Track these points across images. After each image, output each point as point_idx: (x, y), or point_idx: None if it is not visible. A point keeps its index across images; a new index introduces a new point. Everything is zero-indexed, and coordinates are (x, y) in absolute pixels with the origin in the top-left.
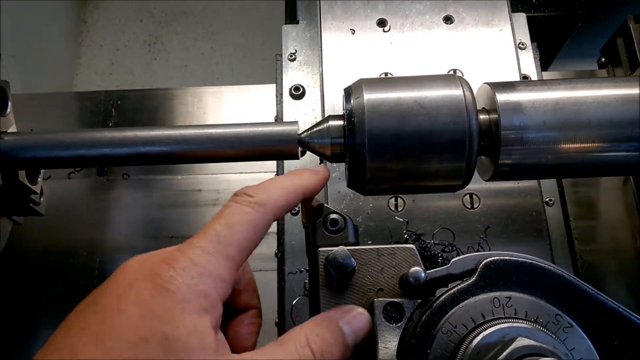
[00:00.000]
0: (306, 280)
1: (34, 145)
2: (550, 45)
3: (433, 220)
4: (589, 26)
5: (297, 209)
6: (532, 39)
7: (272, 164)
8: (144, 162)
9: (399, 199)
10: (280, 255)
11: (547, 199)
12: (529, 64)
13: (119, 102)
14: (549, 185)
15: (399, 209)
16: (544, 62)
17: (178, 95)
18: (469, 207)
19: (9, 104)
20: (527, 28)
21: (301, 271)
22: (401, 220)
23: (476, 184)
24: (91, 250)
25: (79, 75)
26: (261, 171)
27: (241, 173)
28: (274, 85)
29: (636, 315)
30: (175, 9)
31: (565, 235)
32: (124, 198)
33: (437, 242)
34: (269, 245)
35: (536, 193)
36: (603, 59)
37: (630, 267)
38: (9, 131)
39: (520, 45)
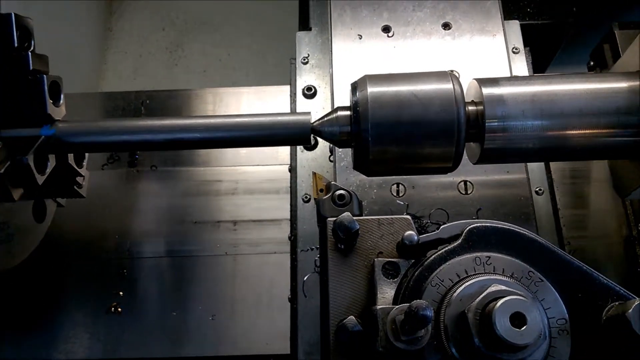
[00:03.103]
0: (316, 258)
1: (85, 132)
2: (545, 51)
3: (431, 205)
4: (580, 33)
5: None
6: (526, 45)
7: (286, 158)
8: (178, 147)
9: (400, 185)
10: (293, 238)
11: (537, 189)
12: (522, 67)
13: (147, 102)
14: (539, 176)
15: (400, 194)
16: (540, 67)
17: (201, 95)
18: (464, 192)
19: (62, 96)
20: (520, 34)
21: (312, 249)
22: (402, 204)
23: (471, 174)
24: (122, 234)
25: (105, 79)
26: (276, 164)
27: (257, 165)
28: (288, 86)
29: (597, 273)
30: (196, 19)
31: (554, 222)
32: (152, 187)
33: (433, 222)
34: (282, 230)
35: (525, 182)
36: (592, 63)
37: (617, 253)
38: (61, 119)
39: (514, 49)
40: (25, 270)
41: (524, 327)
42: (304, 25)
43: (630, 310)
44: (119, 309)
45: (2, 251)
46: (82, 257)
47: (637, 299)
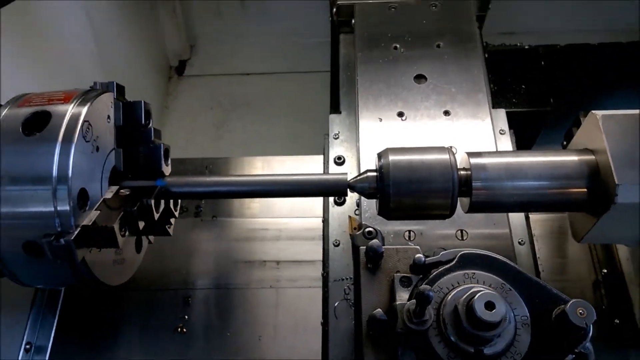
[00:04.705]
0: (345, 287)
1: (185, 184)
2: (529, 133)
3: (435, 247)
4: (557, 119)
5: None
6: (512, 127)
7: (319, 212)
8: (247, 196)
9: (411, 232)
10: (326, 274)
11: (519, 240)
12: (507, 145)
13: (210, 166)
14: (521, 230)
15: (411, 239)
16: (527, 146)
17: (252, 162)
18: (460, 239)
19: (169, 158)
20: (506, 119)
21: (342, 280)
22: (413, 246)
23: (466, 225)
24: (188, 270)
25: None
26: (312, 216)
27: (296, 217)
28: (321, 156)
29: (550, 286)
30: (240, 101)
31: (534, 268)
32: (213, 233)
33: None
34: (315, 269)
35: (508, 234)
36: (565, 143)
37: (588, 294)
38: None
39: (501, 131)
40: (111, 295)
41: (494, 310)
42: (335, 109)
43: (568, 306)
44: (184, 330)
45: (117, 270)
46: (156, 288)
47: (574, 300)
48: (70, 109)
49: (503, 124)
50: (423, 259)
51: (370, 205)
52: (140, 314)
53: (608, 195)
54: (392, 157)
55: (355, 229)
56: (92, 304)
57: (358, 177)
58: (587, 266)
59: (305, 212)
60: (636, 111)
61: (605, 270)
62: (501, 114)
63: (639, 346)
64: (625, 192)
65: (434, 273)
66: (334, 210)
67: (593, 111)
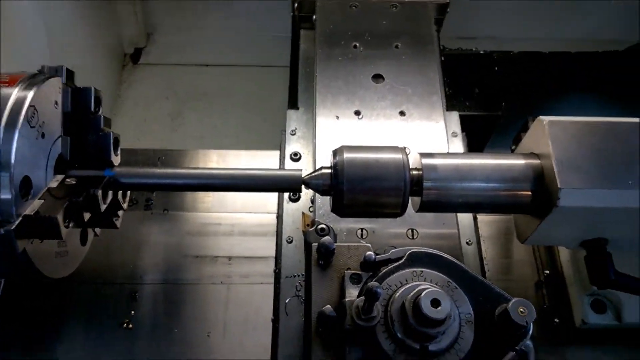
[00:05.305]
0: (297, 283)
1: (135, 175)
2: (481, 136)
3: (386, 245)
4: (507, 124)
5: None
6: (464, 130)
7: (273, 207)
8: (201, 189)
9: (363, 230)
10: (278, 271)
11: (467, 240)
12: (459, 147)
13: (163, 158)
14: (469, 230)
15: (364, 237)
16: (478, 148)
17: (207, 155)
18: (410, 237)
19: (119, 147)
20: (459, 122)
21: (293, 276)
22: (365, 244)
23: (416, 225)
24: (136, 264)
25: None
26: (265, 212)
27: (250, 213)
28: (278, 151)
29: (494, 285)
30: (196, 92)
31: (480, 267)
32: (163, 227)
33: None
34: (268, 265)
35: (456, 235)
36: (513, 147)
37: (531, 293)
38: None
39: (453, 133)
40: (54, 287)
41: (439, 307)
42: (292, 104)
43: (510, 305)
44: (130, 325)
45: (60, 262)
46: (102, 281)
47: (515, 299)
48: (15, 93)
49: (456, 126)
50: (373, 256)
51: (325, 202)
52: (85, 308)
53: (551, 199)
54: (346, 155)
55: (308, 225)
56: (33, 297)
57: (313, 174)
58: (531, 267)
59: (259, 208)
60: (581, 118)
61: (548, 272)
62: (454, 116)
63: (576, 344)
64: (567, 196)
65: (384, 270)
66: (289, 206)
67: (540, 117)
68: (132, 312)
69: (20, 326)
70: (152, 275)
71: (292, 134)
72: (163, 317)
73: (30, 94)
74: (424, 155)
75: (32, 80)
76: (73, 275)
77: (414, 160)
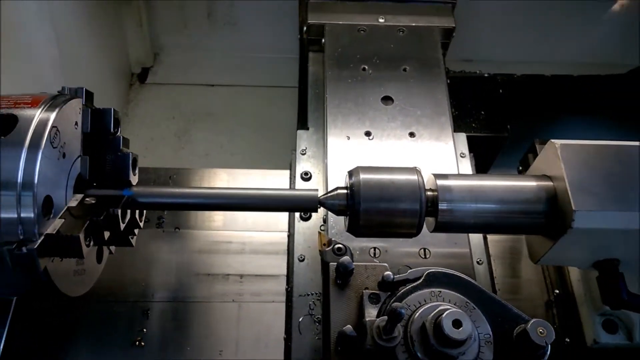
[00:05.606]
0: (310, 302)
1: (153, 195)
2: (487, 157)
3: (398, 264)
4: (513, 145)
5: None
6: (471, 151)
7: (284, 226)
8: (215, 209)
9: (376, 249)
10: (290, 289)
11: (478, 260)
12: (467, 168)
13: (174, 176)
14: (480, 250)
15: (377, 256)
16: (484, 169)
17: (217, 173)
18: (423, 257)
19: (137, 167)
20: (466, 143)
21: (307, 295)
22: (382, 264)
23: (429, 244)
24: (147, 282)
25: None
26: (277, 230)
27: (261, 231)
28: (288, 170)
29: (511, 306)
30: (203, 111)
31: (491, 286)
32: (175, 245)
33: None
34: (279, 284)
35: (468, 254)
36: (520, 168)
37: (540, 313)
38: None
39: (461, 154)
40: (67, 304)
41: (461, 328)
42: (302, 124)
43: (529, 326)
44: (142, 343)
45: (78, 281)
46: (114, 299)
47: (534, 319)
48: (38, 114)
49: (464, 147)
50: (392, 276)
51: (337, 222)
52: (97, 326)
53: (565, 220)
54: (362, 176)
55: (324, 244)
56: (46, 315)
57: (328, 194)
58: (540, 286)
59: (270, 226)
60: (592, 142)
61: (558, 291)
62: (462, 137)
63: None
64: (581, 218)
65: (402, 290)
66: (300, 225)
67: (552, 140)
68: (144, 329)
69: (34, 343)
70: (163, 293)
71: (302, 154)
72: (175, 334)
73: (52, 115)
74: (438, 176)
75: (54, 101)
76: (86, 293)
77: (428, 181)
